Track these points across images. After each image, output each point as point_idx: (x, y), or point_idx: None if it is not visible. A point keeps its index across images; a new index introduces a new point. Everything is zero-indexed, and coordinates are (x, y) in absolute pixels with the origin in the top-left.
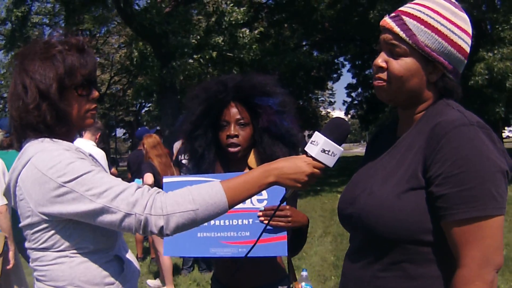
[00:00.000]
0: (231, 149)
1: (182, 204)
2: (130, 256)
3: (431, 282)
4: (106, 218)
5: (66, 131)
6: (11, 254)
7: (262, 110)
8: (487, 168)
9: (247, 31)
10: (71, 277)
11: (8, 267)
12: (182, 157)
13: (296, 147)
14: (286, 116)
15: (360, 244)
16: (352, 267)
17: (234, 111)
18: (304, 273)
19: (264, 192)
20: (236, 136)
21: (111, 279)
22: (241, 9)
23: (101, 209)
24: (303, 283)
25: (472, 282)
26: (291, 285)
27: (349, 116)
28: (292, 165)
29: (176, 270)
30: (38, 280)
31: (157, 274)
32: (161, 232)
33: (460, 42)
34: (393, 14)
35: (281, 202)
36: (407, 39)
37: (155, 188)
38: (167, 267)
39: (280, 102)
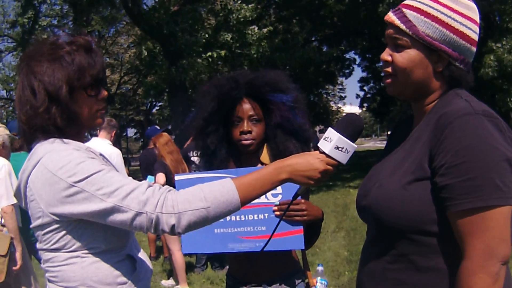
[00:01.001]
0: (244, 142)
1: (193, 202)
2: (142, 255)
3: (441, 276)
4: (117, 217)
5: (77, 132)
6: (18, 255)
7: (274, 106)
8: (491, 157)
9: (256, 28)
10: (83, 278)
11: (15, 268)
12: (192, 154)
13: (308, 143)
14: (298, 111)
15: (373, 236)
16: (366, 259)
17: (247, 107)
18: (320, 268)
19: (278, 188)
20: (250, 132)
21: (123, 279)
22: (249, 6)
23: (112, 208)
24: (319, 278)
25: (475, 274)
26: (306, 279)
27: (364, 109)
28: (305, 162)
29: (190, 268)
30: (50, 281)
31: (171, 273)
32: (173, 231)
33: (462, 28)
34: (395, 9)
35: (294, 198)
36: (407, 30)
37: (166, 186)
38: (180, 266)
39: (292, 98)
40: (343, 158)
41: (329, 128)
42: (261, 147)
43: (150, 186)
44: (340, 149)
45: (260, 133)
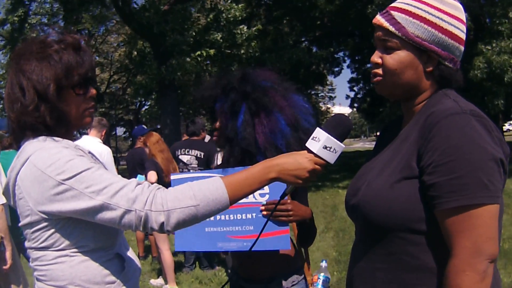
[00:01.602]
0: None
1: (182, 200)
2: (131, 254)
3: (429, 274)
4: (106, 215)
5: (66, 130)
6: (8, 254)
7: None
8: (478, 156)
9: (245, 28)
10: (71, 276)
11: (5, 267)
12: (179, 152)
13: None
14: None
15: (361, 235)
16: (355, 258)
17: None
18: (324, 264)
19: (266, 187)
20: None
21: (112, 278)
22: (239, 5)
23: (100, 206)
24: (322, 274)
25: (463, 271)
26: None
27: (354, 109)
28: (293, 161)
29: (178, 268)
30: (38, 280)
31: (160, 272)
32: (162, 229)
33: (451, 28)
34: (383, 11)
35: (281, 198)
36: (397, 32)
37: (155, 184)
38: (168, 265)
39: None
40: (331, 157)
41: (317, 128)
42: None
43: (139, 184)
44: (328, 148)
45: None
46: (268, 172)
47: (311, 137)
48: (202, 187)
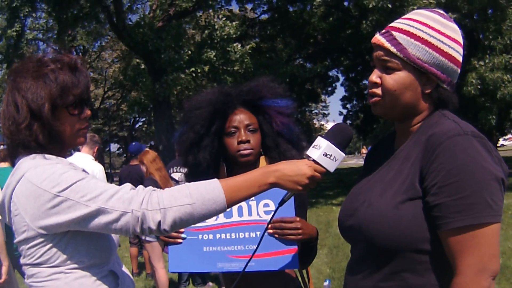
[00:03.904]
0: (244, 152)
1: (179, 198)
2: (124, 271)
3: None
4: (102, 219)
5: (59, 149)
6: (4, 269)
7: (274, 113)
8: (481, 176)
9: (239, 46)
10: None
11: (0, 281)
12: (172, 171)
13: (303, 152)
14: (294, 119)
15: (361, 255)
16: (354, 278)
17: (242, 116)
18: (327, 284)
19: (271, 204)
20: (248, 141)
21: None
22: (233, 23)
23: (96, 211)
24: None
25: None
26: None
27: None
28: (293, 167)
29: (172, 285)
30: None
31: None
32: (159, 228)
33: (451, 51)
34: (383, 31)
35: (280, 205)
36: (398, 53)
37: (150, 187)
38: (163, 283)
39: (290, 105)
40: (331, 165)
41: (318, 137)
42: (257, 160)
43: (133, 188)
44: (328, 156)
45: (258, 143)
46: (267, 176)
47: (312, 145)
48: (199, 186)
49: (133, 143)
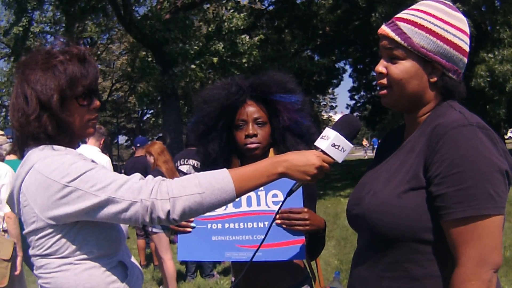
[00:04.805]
0: (250, 146)
1: (188, 187)
2: (133, 262)
3: (435, 283)
4: (112, 209)
5: (69, 140)
6: (19, 260)
7: (282, 108)
8: (484, 167)
9: (247, 37)
10: (75, 284)
11: (16, 273)
12: (179, 163)
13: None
14: (305, 114)
15: (366, 244)
16: (358, 267)
17: (251, 109)
18: (336, 276)
19: (279, 194)
20: (255, 135)
21: (116, 285)
22: (241, 15)
23: (106, 201)
24: (336, 283)
25: (468, 280)
26: None
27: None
28: (301, 158)
29: (180, 277)
30: (42, 287)
31: (161, 281)
32: (168, 217)
33: (455, 40)
34: (389, 22)
35: (288, 195)
36: (403, 42)
37: (159, 177)
38: (171, 274)
39: (300, 99)
40: (339, 156)
41: (326, 128)
42: (266, 152)
43: (142, 178)
44: (336, 147)
45: (266, 136)
46: (276, 166)
47: (320, 136)
48: (208, 176)
49: (139, 137)
